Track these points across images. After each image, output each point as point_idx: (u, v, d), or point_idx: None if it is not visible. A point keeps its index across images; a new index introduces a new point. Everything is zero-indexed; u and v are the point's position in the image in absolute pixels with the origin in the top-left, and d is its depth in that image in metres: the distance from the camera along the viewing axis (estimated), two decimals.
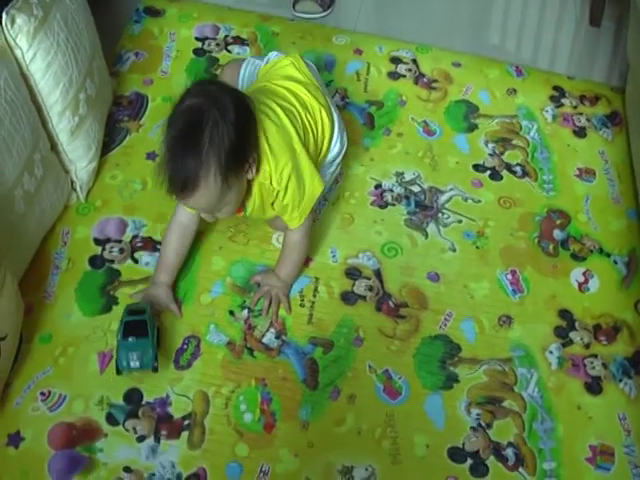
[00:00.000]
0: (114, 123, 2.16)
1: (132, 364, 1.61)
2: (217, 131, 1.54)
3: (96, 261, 1.88)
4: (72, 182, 1.96)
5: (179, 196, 1.60)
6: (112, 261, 1.88)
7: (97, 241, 1.92)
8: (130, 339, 1.61)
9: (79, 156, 1.94)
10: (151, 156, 2.08)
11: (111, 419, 1.64)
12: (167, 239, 1.81)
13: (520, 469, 1.64)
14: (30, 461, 1.57)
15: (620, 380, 1.78)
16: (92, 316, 1.79)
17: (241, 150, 1.60)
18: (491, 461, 1.64)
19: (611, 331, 1.86)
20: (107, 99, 2.14)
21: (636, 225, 2.08)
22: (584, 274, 1.97)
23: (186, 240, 1.81)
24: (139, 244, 1.91)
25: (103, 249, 1.91)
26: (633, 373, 1.80)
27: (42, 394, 1.66)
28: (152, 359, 1.62)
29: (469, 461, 1.64)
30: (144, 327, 1.64)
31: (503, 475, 1.63)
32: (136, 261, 1.89)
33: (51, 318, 1.78)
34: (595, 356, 1.82)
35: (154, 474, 1.58)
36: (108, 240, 1.92)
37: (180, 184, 1.56)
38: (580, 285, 1.95)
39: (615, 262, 2.00)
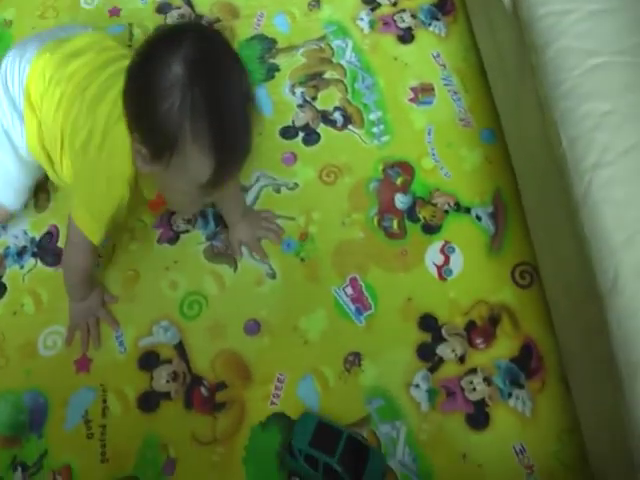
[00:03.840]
0: None
1: None
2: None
3: None
4: None
5: (238, 167, 1.18)
6: None
7: None
8: None
9: None
10: None
11: None
12: (75, 277, 1.48)
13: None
14: None
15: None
16: None
17: None
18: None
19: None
20: None
21: (494, 150, 1.66)
22: (442, 250, 1.56)
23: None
24: None
25: None
26: None
27: None
28: None
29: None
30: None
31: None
32: None
33: None
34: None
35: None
36: None
37: (247, 141, 1.14)
38: (439, 269, 1.55)
39: (478, 217, 1.59)
